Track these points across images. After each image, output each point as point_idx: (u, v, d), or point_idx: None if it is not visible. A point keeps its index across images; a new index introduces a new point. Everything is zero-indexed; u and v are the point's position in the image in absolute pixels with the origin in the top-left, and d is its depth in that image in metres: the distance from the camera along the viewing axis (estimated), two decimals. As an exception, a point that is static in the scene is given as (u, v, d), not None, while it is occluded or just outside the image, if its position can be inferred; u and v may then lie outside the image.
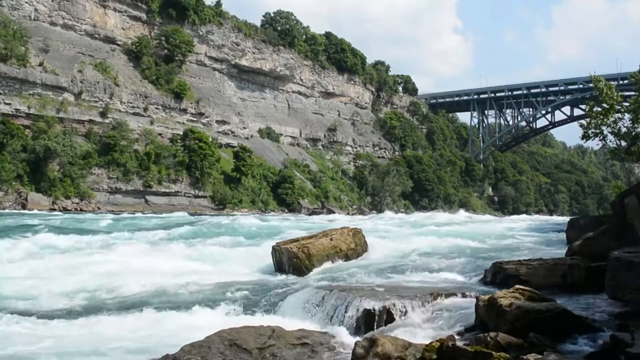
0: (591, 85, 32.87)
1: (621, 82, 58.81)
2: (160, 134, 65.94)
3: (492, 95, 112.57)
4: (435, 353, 6.10)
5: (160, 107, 68.18)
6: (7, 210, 43.60)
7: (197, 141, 65.85)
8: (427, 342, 6.60)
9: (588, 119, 25.36)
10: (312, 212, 68.57)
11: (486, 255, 15.71)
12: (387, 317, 8.79)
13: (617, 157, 27.21)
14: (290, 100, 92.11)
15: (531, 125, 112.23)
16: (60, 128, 55.73)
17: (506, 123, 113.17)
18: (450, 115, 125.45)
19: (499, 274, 11.07)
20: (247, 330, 7.90)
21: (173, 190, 63.47)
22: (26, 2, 59.74)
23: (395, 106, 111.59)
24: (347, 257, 15.39)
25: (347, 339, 8.03)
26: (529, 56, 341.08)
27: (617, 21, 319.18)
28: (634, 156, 23.79)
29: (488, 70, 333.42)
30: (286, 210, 71.36)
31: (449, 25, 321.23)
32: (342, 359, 7.26)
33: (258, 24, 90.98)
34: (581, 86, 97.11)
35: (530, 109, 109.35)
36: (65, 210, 49.33)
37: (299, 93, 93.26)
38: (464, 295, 9.58)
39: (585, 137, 24.42)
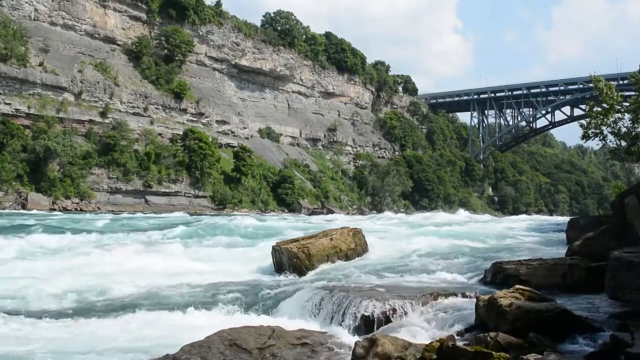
0: (591, 85, 32.86)
1: (621, 82, 58.79)
2: (160, 134, 65.95)
3: (492, 95, 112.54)
4: (435, 353, 6.10)
5: (160, 107, 68.19)
6: (7, 210, 43.56)
7: (197, 141, 65.87)
8: (427, 342, 6.60)
9: (588, 119, 25.32)
10: (312, 212, 68.56)
11: (486, 255, 15.67)
12: (387, 317, 8.79)
13: (617, 157, 27.19)
14: (290, 100, 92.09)
15: (531, 125, 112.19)
16: (60, 128, 55.75)
17: (506, 123, 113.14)
18: (450, 115, 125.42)
19: (499, 274, 11.06)
20: (247, 330, 7.91)
21: (173, 190, 63.48)
22: (26, 2, 59.74)
23: (395, 106, 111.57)
24: (347, 257, 15.36)
25: (347, 339, 8.03)
26: (529, 56, 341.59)
27: (617, 21, 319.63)
28: (634, 156, 23.76)
29: (488, 70, 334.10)
30: (286, 210, 71.32)
31: (449, 25, 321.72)
32: (342, 359, 7.25)
33: (258, 24, 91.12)
34: (581, 86, 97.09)
35: (530, 109, 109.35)
36: (65, 210, 49.32)
37: (299, 93, 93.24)
38: (464, 296, 9.56)
39: (585, 137, 24.39)
